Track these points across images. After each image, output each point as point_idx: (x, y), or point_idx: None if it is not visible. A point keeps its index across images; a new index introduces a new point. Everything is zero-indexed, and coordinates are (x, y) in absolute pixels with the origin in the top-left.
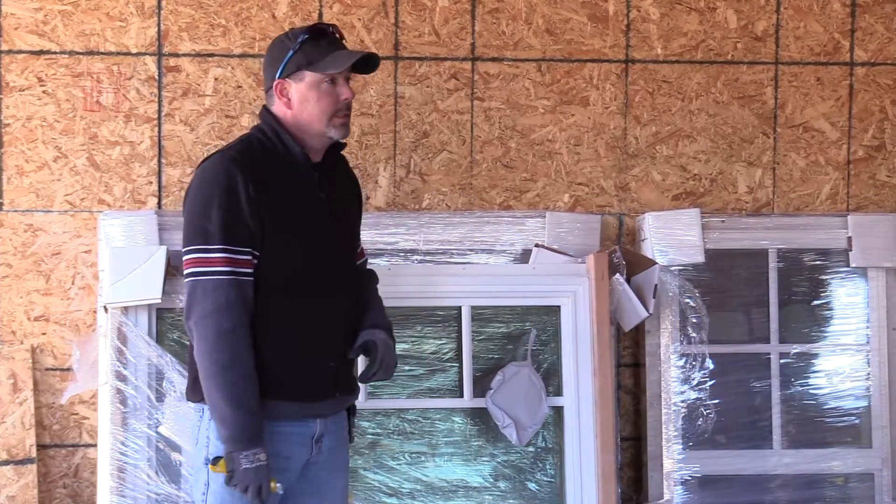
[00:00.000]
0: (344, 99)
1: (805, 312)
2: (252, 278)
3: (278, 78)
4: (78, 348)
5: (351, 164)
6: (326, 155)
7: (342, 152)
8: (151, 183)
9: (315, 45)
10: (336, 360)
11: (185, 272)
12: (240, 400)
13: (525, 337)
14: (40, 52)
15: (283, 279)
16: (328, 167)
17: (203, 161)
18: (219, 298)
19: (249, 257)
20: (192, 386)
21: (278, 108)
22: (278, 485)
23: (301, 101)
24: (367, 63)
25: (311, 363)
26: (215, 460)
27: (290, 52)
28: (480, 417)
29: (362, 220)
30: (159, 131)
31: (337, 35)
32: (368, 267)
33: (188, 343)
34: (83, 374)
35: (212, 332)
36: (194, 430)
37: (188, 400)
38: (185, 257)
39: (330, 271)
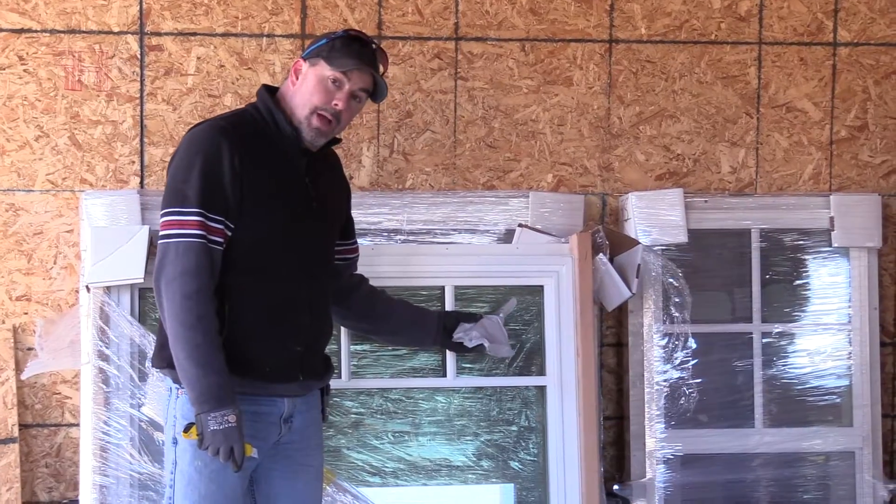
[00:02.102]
0: (334, 104)
1: (787, 292)
2: (221, 248)
3: (302, 57)
4: (42, 326)
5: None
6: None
7: (338, 147)
8: (134, 162)
9: (346, 44)
10: (304, 345)
11: (160, 234)
12: (205, 360)
13: (509, 319)
14: (21, 31)
15: (257, 258)
16: (319, 159)
17: (193, 127)
18: (189, 261)
19: (222, 227)
20: (158, 352)
21: (286, 85)
22: (254, 449)
23: (302, 81)
24: (376, 91)
25: (278, 345)
26: (187, 427)
27: (325, 41)
28: (465, 396)
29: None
30: (141, 110)
31: (374, 47)
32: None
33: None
34: (48, 352)
35: (178, 294)
36: (164, 409)
37: (152, 366)
38: (161, 219)
39: (305, 256)
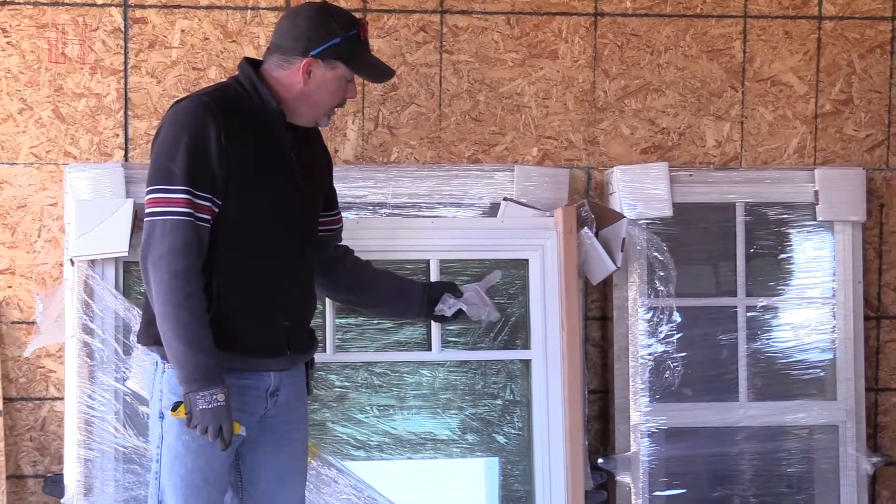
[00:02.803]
0: (349, 97)
1: (772, 266)
2: (209, 225)
3: (311, 55)
4: (41, 301)
5: None
6: None
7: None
8: (118, 135)
9: (358, 42)
10: (291, 319)
11: (146, 211)
12: (193, 339)
13: (495, 291)
14: (4, 3)
15: (244, 233)
16: (301, 131)
17: (176, 103)
18: (175, 239)
19: (210, 204)
20: (144, 329)
21: (288, 77)
22: (242, 427)
23: (320, 85)
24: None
25: (266, 320)
26: (175, 406)
27: (338, 40)
28: (450, 369)
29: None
30: (125, 83)
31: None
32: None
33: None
34: (47, 327)
35: (166, 273)
36: (150, 383)
37: (139, 342)
38: (147, 196)
39: (291, 230)
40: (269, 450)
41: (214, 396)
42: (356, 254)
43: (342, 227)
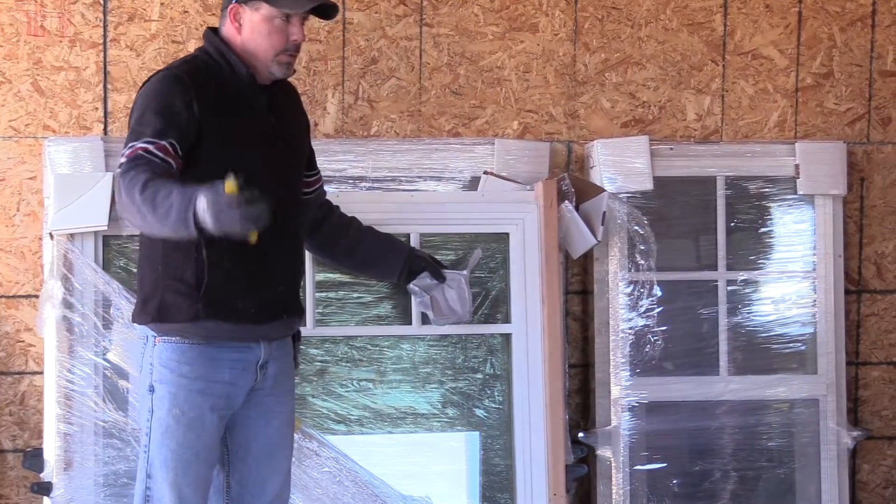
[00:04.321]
0: (294, 40)
1: (752, 240)
2: (173, 165)
3: (235, 1)
4: None
5: (300, 91)
6: (276, 80)
7: (292, 80)
8: (97, 109)
9: None
10: (284, 283)
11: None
12: (166, 205)
13: (476, 267)
14: None
15: None
16: (278, 93)
17: (148, 78)
18: (139, 167)
19: (167, 144)
20: (140, 308)
21: (228, 30)
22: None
23: (251, 30)
24: (326, 9)
25: (260, 285)
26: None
27: None
28: (429, 344)
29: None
30: (105, 57)
31: None
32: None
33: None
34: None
35: (136, 192)
36: (138, 357)
37: (133, 322)
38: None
39: (278, 193)
40: (257, 423)
41: (201, 207)
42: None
43: (323, 184)
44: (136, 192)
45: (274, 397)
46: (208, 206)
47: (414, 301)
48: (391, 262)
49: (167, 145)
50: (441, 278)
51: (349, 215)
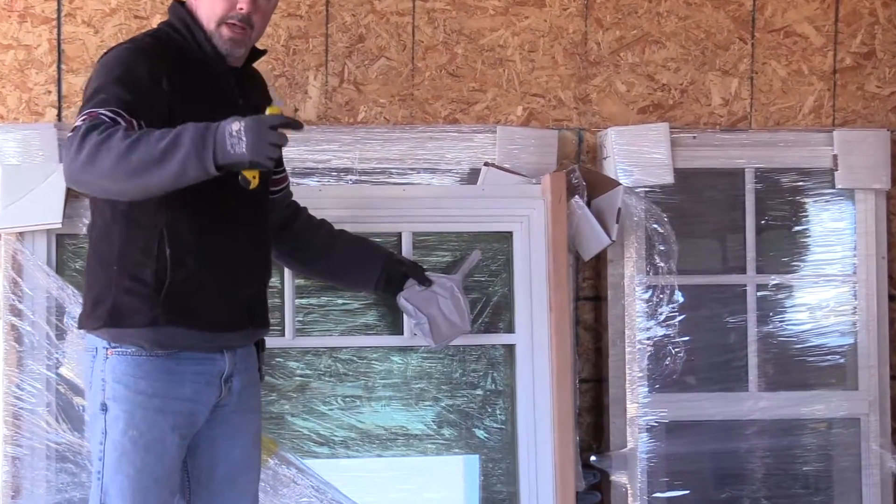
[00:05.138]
0: (239, 9)
1: (785, 239)
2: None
3: None
4: None
5: (277, 72)
6: (246, 62)
7: (261, 61)
8: (50, 92)
9: None
10: (251, 287)
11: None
12: (156, 142)
13: (474, 269)
14: None
15: (195, 193)
16: (245, 77)
17: (104, 54)
18: (87, 126)
19: (133, 122)
20: (89, 312)
21: (190, 0)
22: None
23: None
24: None
25: (226, 288)
26: (243, 179)
27: None
28: (423, 356)
29: (289, 136)
30: (59, 33)
31: None
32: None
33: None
34: None
35: (94, 150)
36: (87, 372)
37: (80, 328)
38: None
39: (248, 190)
40: (222, 444)
41: (230, 131)
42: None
43: (289, 183)
44: (116, 138)
45: (239, 414)
46: (248, 128)
47: (408, 321)
48: (367, 269)
49: (135, 123)
50: (426, 282)
51: (319, 218)
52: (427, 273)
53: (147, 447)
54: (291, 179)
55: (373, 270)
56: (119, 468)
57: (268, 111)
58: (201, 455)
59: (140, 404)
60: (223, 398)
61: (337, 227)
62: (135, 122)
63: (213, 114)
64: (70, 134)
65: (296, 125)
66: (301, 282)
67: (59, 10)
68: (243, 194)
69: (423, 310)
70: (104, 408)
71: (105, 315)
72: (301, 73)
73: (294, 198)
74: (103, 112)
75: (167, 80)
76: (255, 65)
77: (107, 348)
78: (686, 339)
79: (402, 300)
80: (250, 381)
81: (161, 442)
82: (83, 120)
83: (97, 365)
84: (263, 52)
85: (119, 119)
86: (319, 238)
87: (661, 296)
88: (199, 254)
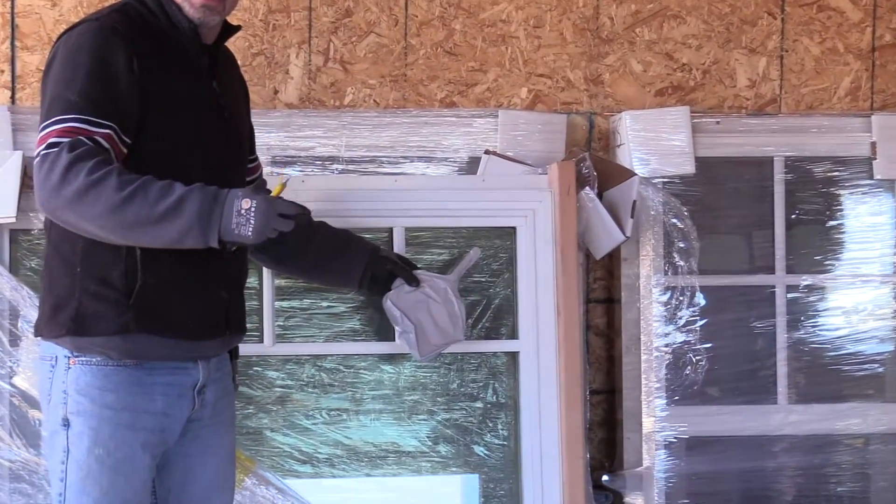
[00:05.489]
0: None
1: (818, 235)
2: (114, 157)
3: None
4: None
5: (255, 50)
6: (218, 39)
7: (238, 37)
8: (3, 72)
9: None
10: (229, 289)
11: (36, 152)
12: (160, 199)
13: (473, 269)
14: None
15: (170, 175)
16: (219, 56)
17: (66, 31)
18: (73, 153)
19: (111, 132)
20: (49, 318)
21: None
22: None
23: None
24: None
25: (202, 293)
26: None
27: None
28: (417, 365)
29: (268, 121)
30: (12, 7)
31: None
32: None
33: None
34: None
35: (79, 185)
36: (45, 383)
37: (37, 335)
38: (38, 136)
39: (221, 178)
40: (195, 462)
41: (238, 209)
42: None
43: (262, 173)
44: (109, 186)
45: (213, 429)
46: (258, 210)
47: (393, 322)
48: (349, 265)
49: (111, 134)
50: (415, 282)
51: None
52: (419, 272)
53: (115, 467)
54: (272, 169)
55: (356, 267)
56: (84, 490)
57: (276, 189)
58: (171, 474)
59: (107, 419)
60: (196, 411)
61: (318, 220)
62: (111, 131)
63: (186, 98)
64: (43, 150)
65: (303, 220)
66: (282, 283)
67: None
68: (224, 185)
69: (411, 315)
70: (66, 423)
71: (68, 322)
72: (281, 51)
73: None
74: (78, 124)
75: (138, 62)
76: (231, 42)
77: (69, 357)
78: (708, 345)
79: (387, 303)
80: (224, 392)
81: (130, 461)
82: (58, 135)
83: (57, 375)
84: (238, 28)
85: (95, 134)
86: (297, 231)
87: (681, 298)
88: (173, 254)
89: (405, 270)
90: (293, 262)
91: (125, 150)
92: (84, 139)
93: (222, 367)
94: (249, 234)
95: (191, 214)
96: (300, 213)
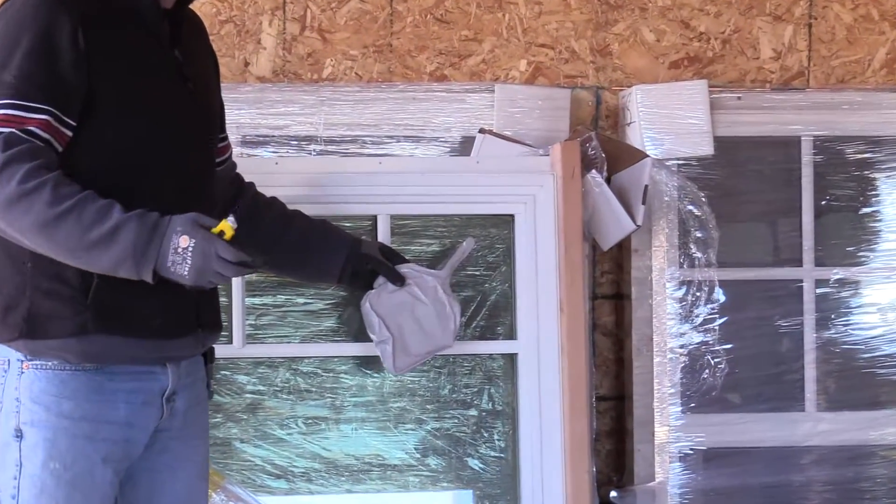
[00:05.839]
0: None
1: (850, 224)
2: (57, 148)
3: None
4: None
5: (223, 17)
6: (180, 2)
7: (202, 2)
8: None
9: None
10: None
11: None
12: (95, 224)
13: (466, 261)
14: None
15: (125, 169)
16: (181, 23)
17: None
18: (4, 156)
19: (49, 118)
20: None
21: None
22: (230, 222)
23: None
24: None
25: (169, 286)
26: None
27: None
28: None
29: (238, 96)
30: None
31: None
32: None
33: None
34: None
35: (10, 191)
36: None
37: None
38: None
39: (186, 160)
40: (163, 477)
41: (175, 246)
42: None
43: (232, 153)
44: (41, 200)
45: (183, 441)
46: (196, 250)
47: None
48: (327, 261)
49: (49, 120)
50: (399, 280)
51: (269, 196)
52: (406, 267)
53: (72, 483)
54: (242, 150)
55: (334, 263)
56: None
57: (223, 227)
58: (136, 490)
59: (64, 430)
60: (164, 421)
61: (293, 207)
62: (49, 118)
63: (142, 70)
64: None
65: (251, 266)
66: (253, 276)
67: None
68: (191, 167)
69: (390, 321)
70: (18, 434)
71: (20, 323)
72: (253, 18)
73: (242, 171)
74: (12, 111)
75: (84, 33)
76: (196, 7)
77: (22, 361)
78: (728, 346)
79: (365, 305)
80: (196, 400)
81: (89, 476)
82: None
83: (9, 381)
84: None
85: (30, 124)
86: (269, 221)
87: (698, 294)
88: None
89: (389, 269)
90: (267, 256)
91: (69, 133)
92: (18, 133)
93: (194, 371)
94: (186, 274)
95: (125, 246)
96: (245, 263)
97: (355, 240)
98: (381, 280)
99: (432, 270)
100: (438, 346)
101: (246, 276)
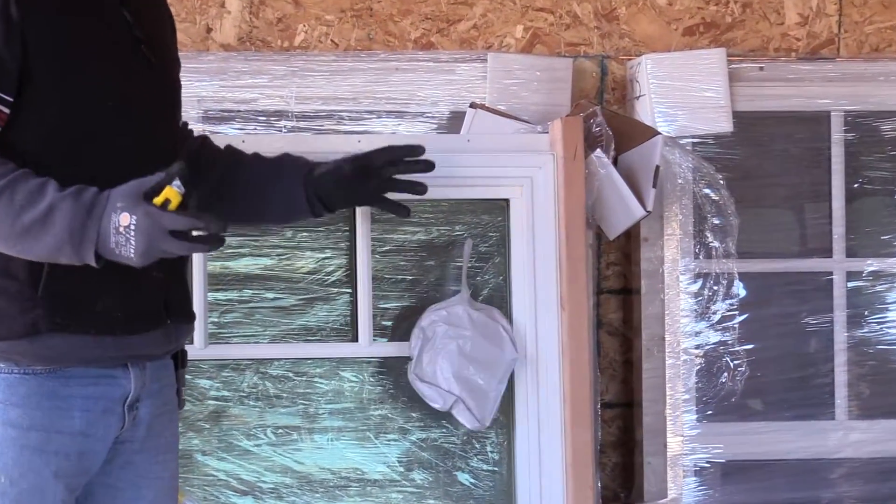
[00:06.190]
0: None
1: (885, 210)
2: None
3: None
4: None
5: None
6: None
7: None
8: None
9: None
10: (164, 267)
11: None
12: (44, 205)
13: (456, 251)
14: None
15: (74, 149)
16: None
17: None
18: None
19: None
20: None
21: None
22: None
23: None
24: None
25: (130, 274)
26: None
27: None
28: (385, 371)
29: (199, 66)
30: None
31: None
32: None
33: None
34: None
35: None
36: None
37: None
38: None
39: (143, 135)
40: (124, 495)
41: (116, 225)
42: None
43: (192, 131)
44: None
45: (148, 454)
46: (138, 228)
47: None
48: (288, 192)
49: None
50: (403, 211)
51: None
52: (428, 311)
53: (19, 500)
54: (204, 127)
55: (295, 192)
56: None
57: (167, 194)
58: None
59: (12, 441)
60: (126, 431)
61: (252, 153)
62: None
63: (86, 36)
64: None
65: (210, 240)
66: (216, 269)
67: None
68: (149, 141)
69: (444, 380)
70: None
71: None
72: None
73: None
74: None
75: (16, 4)
76: None
77: None
78: (749, 347)
79: (411, 377)
80: (164, 408)
81: (39, 493)
82: None
83: None
84: None
85: None
86: (221, 167)
87: (716, 288)
88: None
89: (384, 201)
90: (228, 209)
91: (6, 110)
92: None
93: (163, 376)
94: (132, 254)
95: (61, 230)
96: (197, 228)
97: (310, 165)
98: (417, 338)
99: (452, 298)
100: (507, 367)
101: (214, 249)
